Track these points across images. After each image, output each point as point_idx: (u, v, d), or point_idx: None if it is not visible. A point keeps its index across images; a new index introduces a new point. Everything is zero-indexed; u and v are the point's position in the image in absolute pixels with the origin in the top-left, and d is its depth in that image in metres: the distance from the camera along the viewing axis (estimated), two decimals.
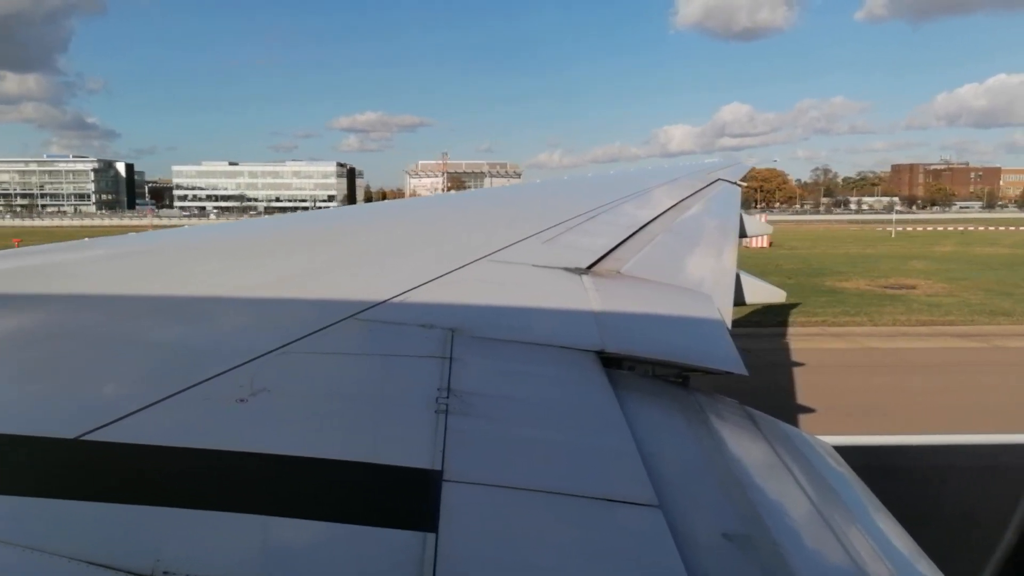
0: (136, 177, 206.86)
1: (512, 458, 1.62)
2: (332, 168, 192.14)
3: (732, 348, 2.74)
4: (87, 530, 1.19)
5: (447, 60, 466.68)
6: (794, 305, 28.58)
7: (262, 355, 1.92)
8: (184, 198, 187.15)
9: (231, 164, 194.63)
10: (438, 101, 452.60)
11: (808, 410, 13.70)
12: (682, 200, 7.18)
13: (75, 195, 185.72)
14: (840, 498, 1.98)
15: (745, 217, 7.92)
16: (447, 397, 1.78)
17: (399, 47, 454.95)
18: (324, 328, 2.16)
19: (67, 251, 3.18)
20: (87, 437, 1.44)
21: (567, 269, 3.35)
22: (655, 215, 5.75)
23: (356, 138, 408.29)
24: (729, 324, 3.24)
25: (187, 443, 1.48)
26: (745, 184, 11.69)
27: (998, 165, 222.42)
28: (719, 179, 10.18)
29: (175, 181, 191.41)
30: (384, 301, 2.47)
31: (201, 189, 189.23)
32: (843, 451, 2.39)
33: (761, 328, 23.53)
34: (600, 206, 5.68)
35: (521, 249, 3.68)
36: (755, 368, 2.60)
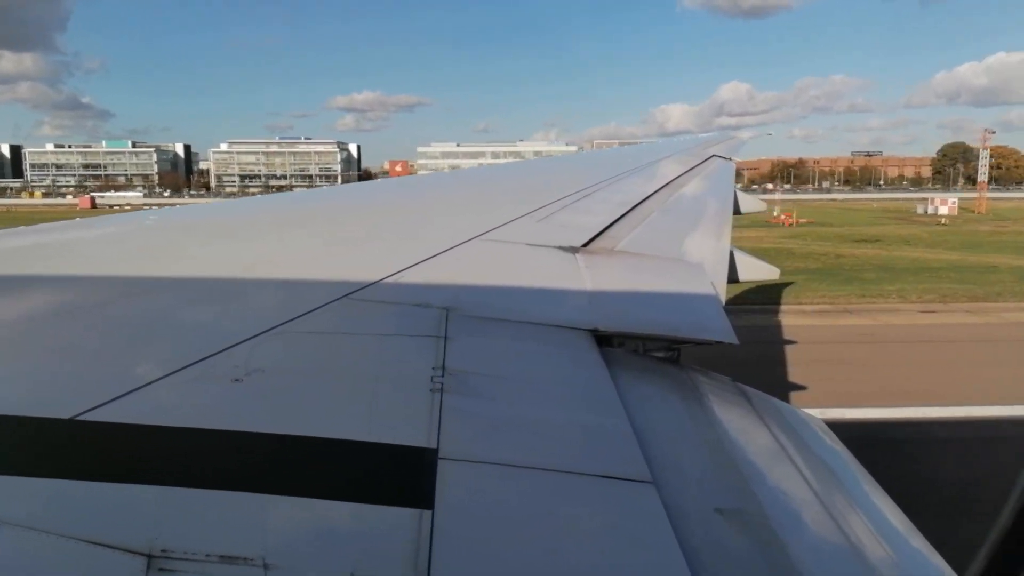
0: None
1: (507, 436, 1.63)
2: (573, 148, 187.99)
3: (723, 318, 2.74)
4: (83, 509, 1.20)
5: (445, 38, 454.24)
6: None
7: (256, 335, 1.91)
8: None
9: (457, 145, 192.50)
10: (436, 80, 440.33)
11: None
12: (677, 177, 7.08)
13: (320, 175, 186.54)
14: (833, 474, 1.98)
15: (739, 194, 7.82)
16: (442, 376, 1.78)
17: (397, 26, 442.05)
18: (318, 308, 2.15)
19: (59, 231, 3.13)
20: (82, 417, 1.44)
21: (561, 248, 3.32)
22: (650, 192, 5.65)
23: (353, 118, 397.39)
24: (723, 300, 3.21)
25: (183, 423, 1.48)
26: (739, 159, 11.33)
27: None
28: (713, 155, 9.83)
29: (419, 162, 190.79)
30: (378, 281, 2.46)
31: (443, 170, 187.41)
32: (835, 426, 2.40)
33: None
34: (594, 184, 5.58)
35: (515, 228, 3.61)
36: None
